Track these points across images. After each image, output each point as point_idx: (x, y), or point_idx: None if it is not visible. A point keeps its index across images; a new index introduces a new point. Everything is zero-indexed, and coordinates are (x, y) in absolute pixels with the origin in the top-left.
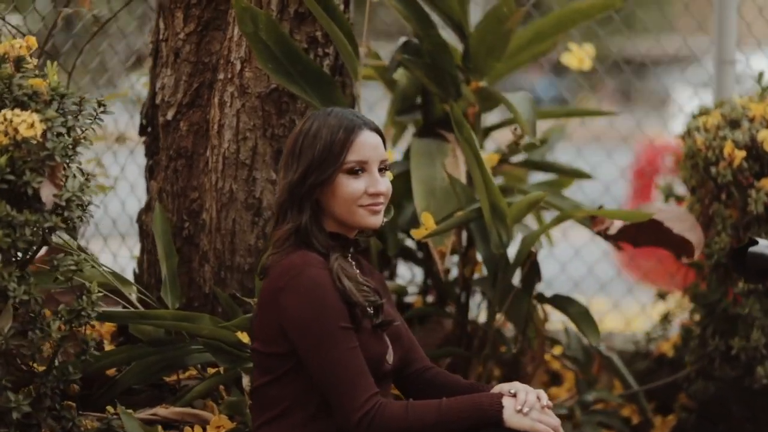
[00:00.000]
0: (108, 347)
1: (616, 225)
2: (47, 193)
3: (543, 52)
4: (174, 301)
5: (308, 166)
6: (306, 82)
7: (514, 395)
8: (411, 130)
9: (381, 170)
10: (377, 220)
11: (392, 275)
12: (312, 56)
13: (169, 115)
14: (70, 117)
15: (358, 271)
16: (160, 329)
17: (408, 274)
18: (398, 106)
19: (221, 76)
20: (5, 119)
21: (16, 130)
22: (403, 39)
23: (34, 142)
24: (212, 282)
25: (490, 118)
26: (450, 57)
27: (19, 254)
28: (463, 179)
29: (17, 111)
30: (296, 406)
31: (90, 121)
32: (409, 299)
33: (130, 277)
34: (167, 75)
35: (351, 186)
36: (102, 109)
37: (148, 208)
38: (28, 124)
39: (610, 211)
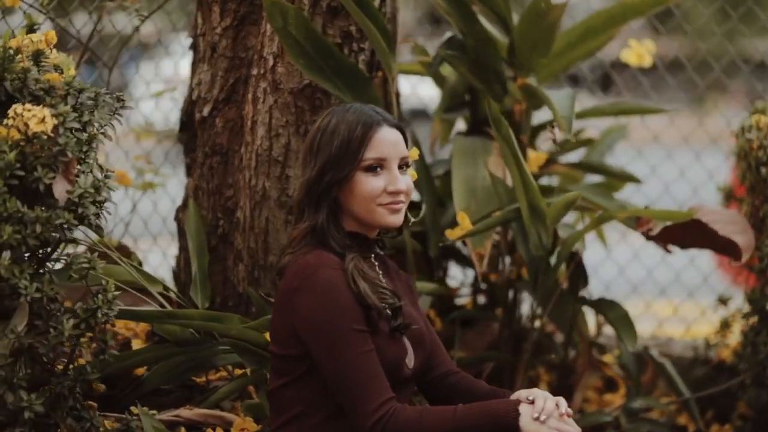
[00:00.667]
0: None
1: (659, 226)
2: (60, 189)
3: (595, 49)
4: (204, 300)
5: (325, 163)
6: (339, 78)
7: (532, 402)
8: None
9: (402, 168)
10: (397, 219)
11: (444, 276)
12: (346, 51)
13: (205, 112)
14: (86, 112)
15: (380, 272)
16: (186, 329)
17: (461, 276)
18: (447, 103)
19: (255, 71)
20: (16, 114)
21: (26, 125)
22: (448, 34)
23: (46, 137)
24: (246, 281)
25: (542, 116)
26: (495, 53)
27: (36, 252)
28: (507, 179)
29: (28, 105)
30: (311, 409)
31: (109, 116)
32: (461, 301)
33: (170, 276)
34: (204, 70)
35: (369, 184)
36: (121, 104)
37: (184, 206)
38: (38, 118)
39: (651, 210)
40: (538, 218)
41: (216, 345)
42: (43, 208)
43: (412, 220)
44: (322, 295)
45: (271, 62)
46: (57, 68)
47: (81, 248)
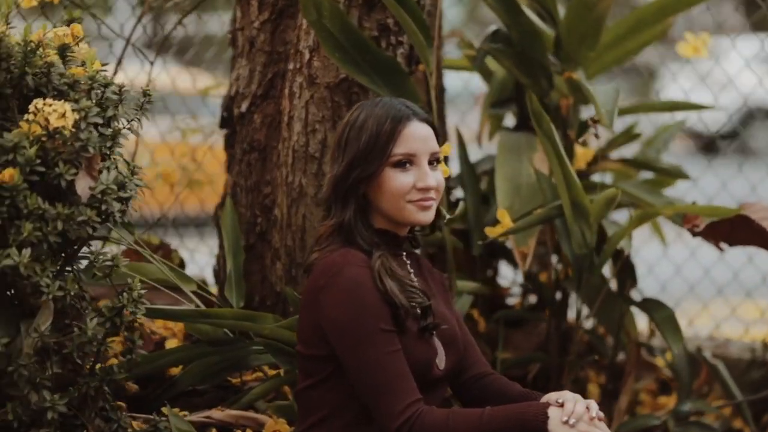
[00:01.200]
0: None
1: (704, 222)
2: (83, 185)
3: (647, 42)
4: (238, 299)
5: (353, 158)
6: (375, 72)
7: (562, 405)
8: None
9: (432, 163)
10: (427, 216)
11: (494, 275)
12: (384, 45)
13: (243, 107)
14: (110, 107)
15: (411, 270)
16: (219, 329)
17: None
18: (494, 98)
19: (291, 65)
20: (37, 109)
21: (47, 120)
22: (493, 27)
23: (67, 132)
24: (283, 280)
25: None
26: (541, 46)
27: (59, 249)
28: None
29: (49, 100)
30: (338, 411)
31: (135, 111)
32: (514, 300)
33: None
34: (242, 65)
35: (398, 180)
36: (147, 98)
37: (222, 204)
38: (59, 113)
39: (696, 207)
40: (581, 216)
41: (250, 345)
42: (64, 205)
43: (447, 216)
44: (348, 294)
45: (307, 56)
46: (83, 63)
47: (114, 247)
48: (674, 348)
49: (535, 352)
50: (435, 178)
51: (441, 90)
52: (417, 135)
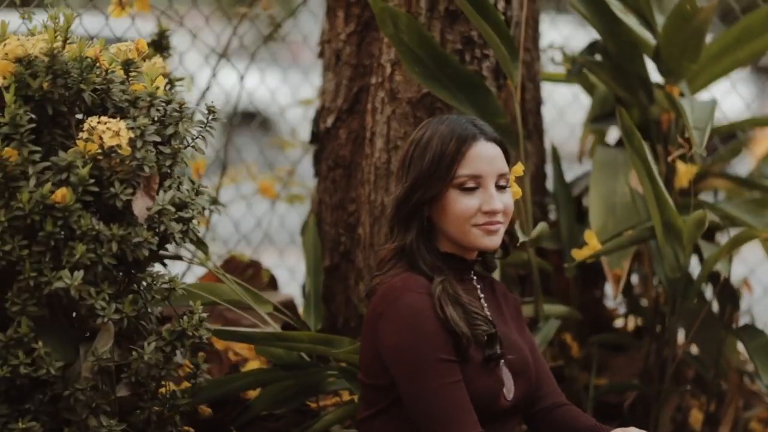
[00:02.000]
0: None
1: None
2: (140, 206)
3: (758, 52)
4: (316, 321)
5: (416, 179)
6: (457, 87)
7: None
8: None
9: (500, 185)
10: (493, 242)
11: (601, 297)
12: (468, 58)
13: (329, 122)
14: (170, 125)
15: (482, 295)
16: (293, 352)
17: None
18: (596, 112)
19: (374, 80)
20: (91, 127)
21: (101, 139)
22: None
23: (123, 152)
24: (365, 302)
25: None
26: (639, 58)
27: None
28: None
29: (104, 118)
30: None
31: (200, 128)
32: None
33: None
34: (329, 79)
35: (463, 203)
36: (212, 115)
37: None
38: (112, 132)
39: None
40: (674, 237)
41: (324, 369)
42: (120, 226)
43: (523, 239)
44: (406, 322)
45: (389, 70)
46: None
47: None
48: (764, 379)
49: (632, 379)
50: (502, 201)
51: (538, 104)
52: (483, 155)
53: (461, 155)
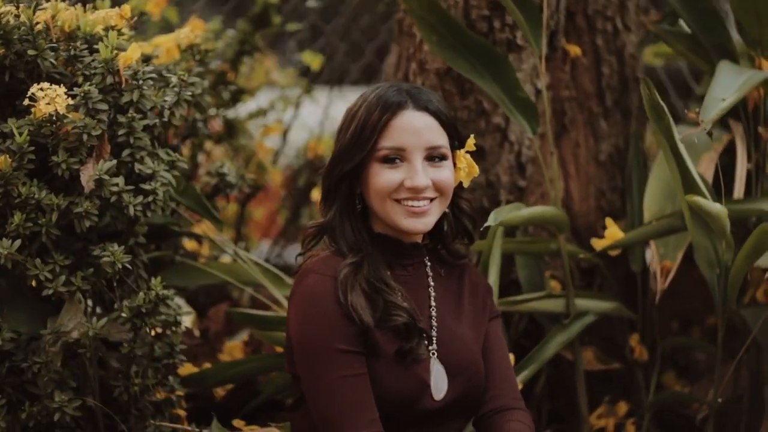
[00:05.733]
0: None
1: None
2: (87, 176)
3: None
4: None
5: (338, 152)
6: (475, 57)
7: None
8: None
9: (433, 159)
10: (416, 224)
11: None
12: (498, 25)
13: None
14: (126, 92)
15: (432, 283)
16: None
17: None
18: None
19: (407, 51)
20: (31, 94)
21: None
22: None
23: (71, 117)
24: None
25: None
26: (720, 26)
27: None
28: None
29: (45, 84)
30: None
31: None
32: None
33: None
34: (394, 51)
35: (383, 177)
36: (183, 83)
37: None
38: (49, 98)
39: None
40: (706, 228)
41: None
42: (65, 196)
43: (491, 222)
44: (306, 307)
45: (418, 39)
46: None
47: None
48: None
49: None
50: (433, 176)
51: (623, 79)
52: (408, 126)
53: (383, 125)
